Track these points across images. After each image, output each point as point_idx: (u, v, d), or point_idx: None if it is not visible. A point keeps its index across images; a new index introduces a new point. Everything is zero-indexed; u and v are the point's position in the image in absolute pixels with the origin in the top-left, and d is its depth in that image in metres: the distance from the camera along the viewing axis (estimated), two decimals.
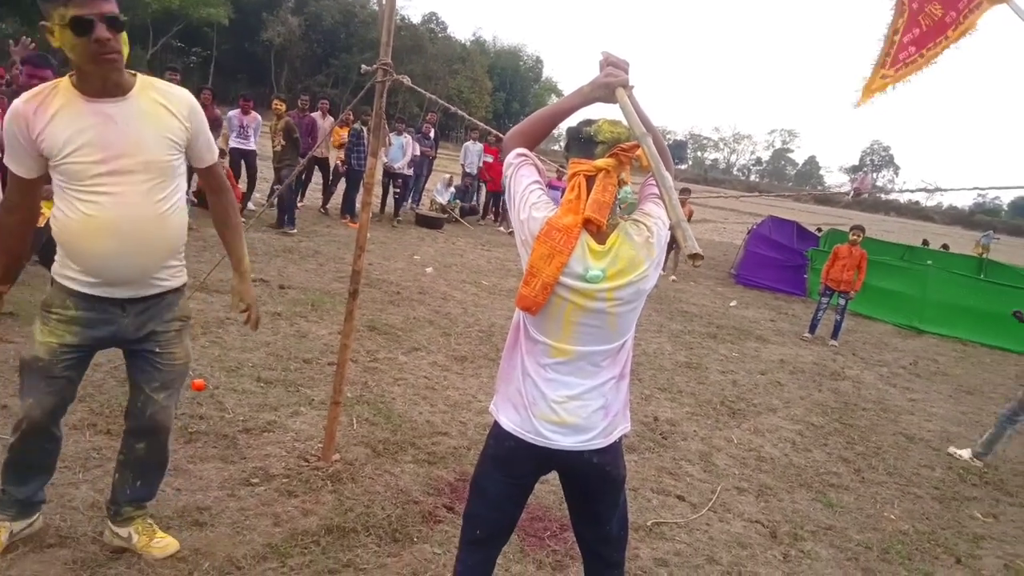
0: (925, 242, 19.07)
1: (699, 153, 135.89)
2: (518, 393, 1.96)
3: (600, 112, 2.00)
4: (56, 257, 2.17)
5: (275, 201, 9.72)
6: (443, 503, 3.30)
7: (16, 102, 2.02)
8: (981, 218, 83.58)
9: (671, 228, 1.71)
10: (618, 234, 1.87)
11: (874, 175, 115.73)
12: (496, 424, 2.04)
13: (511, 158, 2.02)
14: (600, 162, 1.88)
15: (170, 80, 7.07)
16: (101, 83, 2.05)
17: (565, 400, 1.92)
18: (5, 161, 2.06)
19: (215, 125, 9.91)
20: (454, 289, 8.06)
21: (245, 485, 3.13)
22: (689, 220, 11.47)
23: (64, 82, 2.05)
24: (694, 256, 1.61)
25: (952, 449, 5.26)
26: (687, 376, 6.15)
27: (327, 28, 53.74)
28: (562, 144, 2.16)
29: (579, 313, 1.86)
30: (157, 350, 2.35)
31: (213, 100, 10.04)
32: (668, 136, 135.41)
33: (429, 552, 2.89)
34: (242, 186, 10.56)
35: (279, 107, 10.16)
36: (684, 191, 11.92)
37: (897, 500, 4.26)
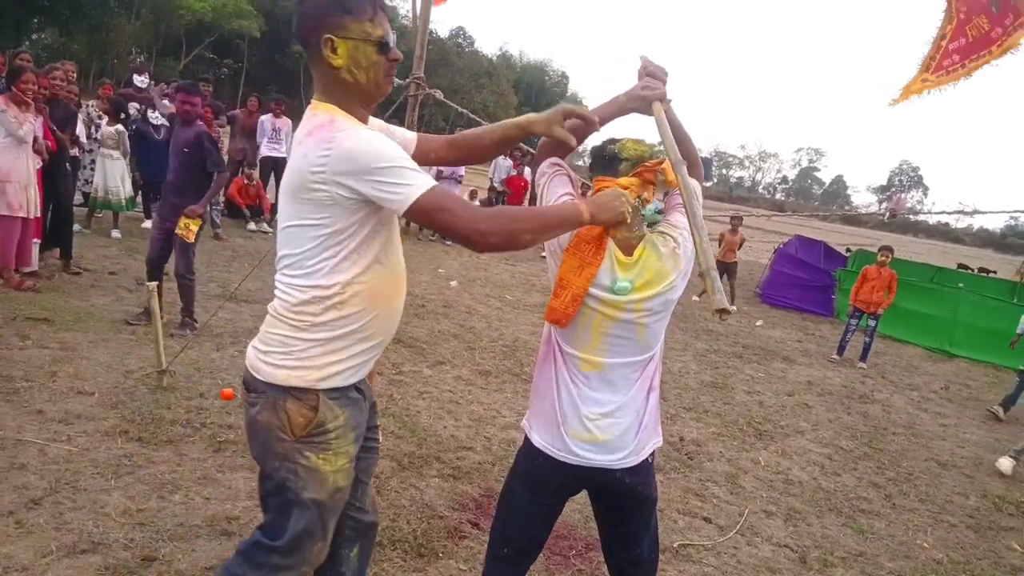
0: (962, 266, 18.60)
1: (724, 171, 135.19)
2: (551, 408, 1.95)
3: (624, 130, 2.02)
4: (310, 359, 1.67)
5: None
6: (468, 519, 3.29)
7: (362, 128, 1.62)
8: (1014, 241, 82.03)
9: (700, 274, 1.71)
10: (644, 246, 1.88)
11: (903, 195, 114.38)
12: (527, 441, 2.02)
13: (545, 167, 2.04)
14: (623, 180, 1.89)
15: (203, 91, 7.17)
16: (368, 112, 1.77)
17: (597, 417, 1.90)
18: (425, 180, 1.54)
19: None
20: (478, 303, 8.07)
21: None
22: (740, 247, 11.03)
23: (340, 111, 1.65)
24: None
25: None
26: (713, 396, 6.09)
27: None
28: (587, 160, 2.17)
29: (608, 324, 1.87)
30: (376, 424, 2.03)
31: (259, 107, 10.31)
32: None
33: (454, 568, 2.88)
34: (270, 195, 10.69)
35: None
36: (735, 218, 11.49)
37: (930, 528, 4.16)
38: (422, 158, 2.04)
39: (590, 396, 1.91)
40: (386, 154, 1.54)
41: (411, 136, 2.02)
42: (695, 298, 11.02)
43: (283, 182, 1.66)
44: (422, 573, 2.80)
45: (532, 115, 1.99)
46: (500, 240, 1.58)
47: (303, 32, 1.65)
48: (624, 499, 2.02)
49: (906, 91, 3.07)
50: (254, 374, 1.71)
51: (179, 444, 3.45)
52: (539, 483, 2.02)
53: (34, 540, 2.53)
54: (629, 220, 1.78)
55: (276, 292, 1.71)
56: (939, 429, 6.35)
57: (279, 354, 1.67)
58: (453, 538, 3.09)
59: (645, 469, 1.99)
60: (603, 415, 1.91)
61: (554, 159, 2.04)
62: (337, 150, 1.53)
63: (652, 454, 2.02)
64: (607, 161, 1.95)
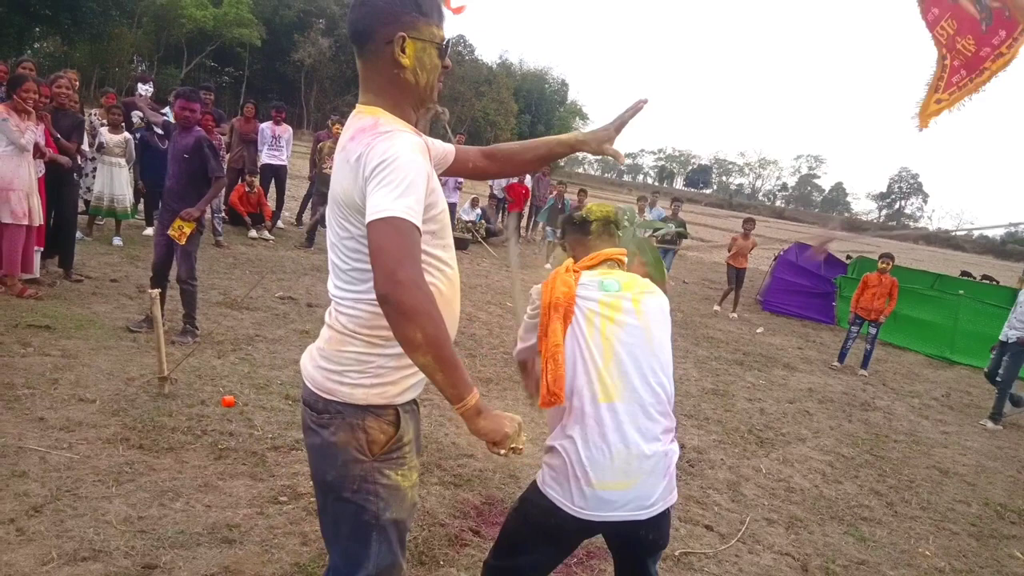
0: (965, 273, 18.50)
1: (724, 178, 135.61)
2: (569, 464, 1.89)
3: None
4: (387, 375, 1.61)
5: (312, 220, 9.84)
6: (469, 526, 3.28)
7: (406, 134, 1.53)
8: (1014, 248, 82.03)
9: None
10: (609, 268, 2.06)
11: (903, 203, 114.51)
12: (541, 495, 1.96)
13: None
14: (605, 252, 2.09)
15: (204, 99, 7.19)
16: (416, 118, 1.71)
17: (620, 466, 1.86)
18: (411, 214, 1.43)
19: (255, 137, 10.06)
20: (479, 310, 8.07)
21: (274, 503, 3.14)
22: (751, 251, 10.89)
23: (385, 112, 1.59)
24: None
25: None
26: (713, 403, 6.08)
27: None
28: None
29: (615, 330, 1.90)
30: None
31: (256, 114, 10.24)
32: (693, 161, 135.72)
33: (455, 575, 2.87)
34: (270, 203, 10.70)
35: (338, 129, 9.73)
36: (748, 221, 11.10)
37: (932, 536, 4.15)
38: (460, 169, 2.03)
39: (610, 440, 1.85)
40: (407, 168, 1.45)
41: (449, 148, 2.01)
42: (716, 308, 10.93)
43: (331, 192, 1.60)
44: None
45: (579, 134, 2.06)
46: (402, 300, 1.37)
47: (372, 26, 1.57)
48: (642, 552, 2.04)
49: (924, 115, 3.07)
50: (326, 396, 1.61)
51: (180, 451, 3.45)
52: (556, 539, 2.00)
53: (35, 548, 2.53)
54: (503, 453, 1.59)
55: (340, 308, 1.61)
56: (940, 436, 6.34)
57: (355, 372, 1.59)
58: (454, 546, 3.09)
59: (666, 521, 1.99)
60: (627, 459, 1.86)
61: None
62: (370, 152, 1.47)
63: (673, 505, 1.99)
64: (578, 226, 2.14)
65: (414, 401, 1.72)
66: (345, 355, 1.59)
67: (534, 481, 2.01)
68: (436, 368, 1.42)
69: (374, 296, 1.50)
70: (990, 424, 6.92)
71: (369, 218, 1.42)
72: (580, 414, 1.88)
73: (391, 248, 1.39)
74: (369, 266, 1.48)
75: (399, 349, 1.52)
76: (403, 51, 1.57)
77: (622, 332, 1.89)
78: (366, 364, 1.59)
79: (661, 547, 2.05)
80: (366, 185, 1.45)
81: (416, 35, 1.58)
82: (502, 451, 1.56)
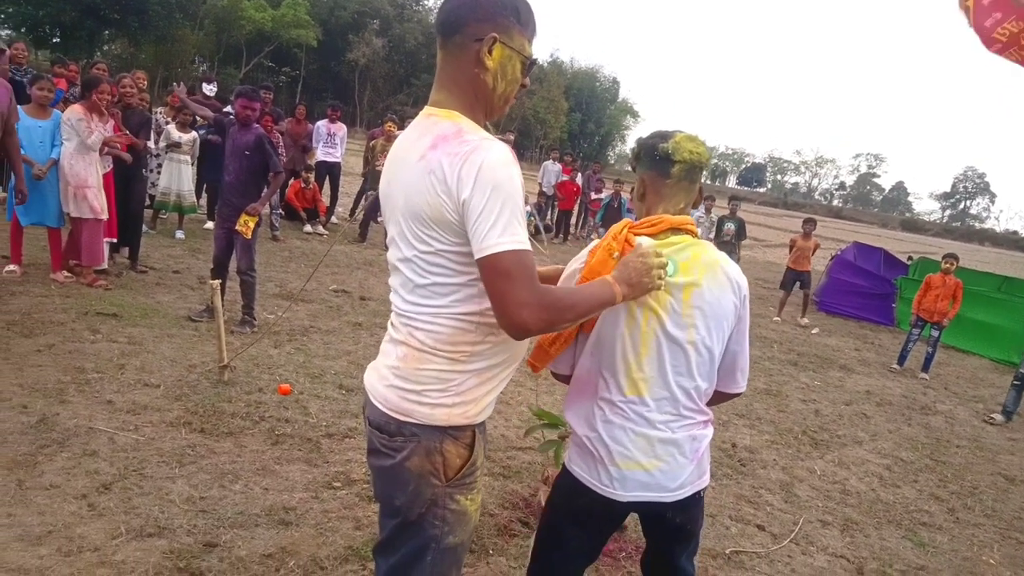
0: None
1: (779, 176, 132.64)
2: (588, 440, 1.83)
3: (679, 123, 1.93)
4: (469, 393, 1.52)
5: (360, 217, 10.04)
6: (518, 517, 3.31)
7: (497, 144, 1.42)
8: None
9: None
10: (673, 237, 1.78)
11: (967, 203, 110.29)
12: (568, 475, 1.90)
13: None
14: (673, 220, 1.79)
15: (264, 98, 7.37)
16: (485, 125, 1.59)
17: (643, 448, 1.78)
18: (517, 240, 1.37)
19: (308, 138, 10.26)
20: None
21: (328, 488, 3.22)
22: (814, 253, 10.03)
23: (463, 118, 1.50)
24: None
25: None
26: (766, 403, 5.97)
27: (409, 49, 55.46)
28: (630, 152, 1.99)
29: (655, 322, 1.73)
30: None
31: (307, 116, 10.46)
32: (747, 159, 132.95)
33: (505, 565, 2.90)
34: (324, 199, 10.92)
35: (392, 129, 9.88)
36: (808, 221, 10.42)
37: (996, 544, 4.00)
38: None
39: (632, 427, 1.78)
40: (507, 187, 1.37)
41: None
42: (776, 318, 10.19)
43: (404, 205, 1.48)
44: (472, 569, 2.83)
45: None
46: (536, 330, 1.42)
47: (465, 18, 1.49)
48: (669, 535, 1.94)
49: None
50: (402, 417, 1.51)
51: (239, 436, 3.57)
52: (585, 520, 1.92)
53: (105, 523, 2.65)
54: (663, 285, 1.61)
55: (417, 323, 1.51)
56: (1007, 443, 6.10)
57: (436, 391, 1.50)
58: (503, 536, 3.12)
59: (695, 505, 1.88)
60: (648, 443, 1.78)
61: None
62: (463, 165, 1.38)
63: (703, 489, 1.90)
64: (658, 161, 1.80)
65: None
66: (424, 373, 1.50)
67: (563, 464, 1.96)
68: (591, 314, 1.57)
69: (456, 310, 1.48)
70: None
71: (477, 254, 1.38)
72: (606, 401, 1.80)
73: (505, 291, 1.37)
74: (452, 280, 1.45)
75: (483, 364, 1.52)
76: (490, 52, 1.48)
77: (662, 326, 1.73)
78: (448, 382, 1.50)
79: (690, 534, 1.93)
80: (465, 207, 1.38)
81: (507, 40, 1.50)
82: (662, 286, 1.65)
